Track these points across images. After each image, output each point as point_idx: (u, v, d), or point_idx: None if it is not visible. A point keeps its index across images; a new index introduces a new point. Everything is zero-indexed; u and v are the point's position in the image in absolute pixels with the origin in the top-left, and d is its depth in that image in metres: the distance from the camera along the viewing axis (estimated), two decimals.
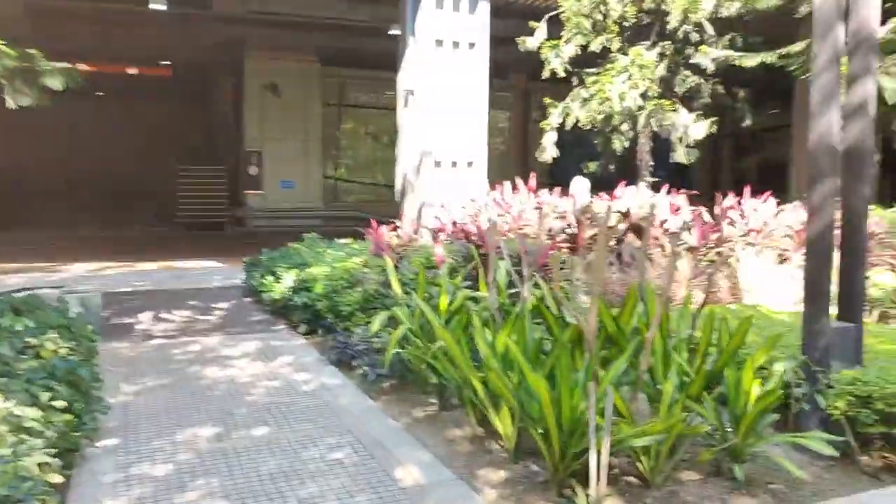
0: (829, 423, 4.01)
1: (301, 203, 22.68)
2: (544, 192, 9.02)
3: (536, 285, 4.83)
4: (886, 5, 8.95)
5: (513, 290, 5.17)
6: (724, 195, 8.01)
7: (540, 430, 3.58)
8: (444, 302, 4.92)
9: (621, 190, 8.83)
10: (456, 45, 11.21)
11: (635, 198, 7.67)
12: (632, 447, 3.57)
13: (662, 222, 7.25)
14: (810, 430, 4.00)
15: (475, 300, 5.09)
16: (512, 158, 26.62)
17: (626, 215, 7.13)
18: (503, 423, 3.98)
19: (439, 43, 11.15)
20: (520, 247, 5.28)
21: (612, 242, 7.17)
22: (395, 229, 8.54)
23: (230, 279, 10.32)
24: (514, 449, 3.99)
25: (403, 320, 4.90)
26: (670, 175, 11.60)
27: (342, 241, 9.13)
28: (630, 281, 6.40)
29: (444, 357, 4.31)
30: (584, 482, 3.52)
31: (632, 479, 3.78)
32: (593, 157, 12.39)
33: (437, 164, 11.19)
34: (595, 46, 10.21)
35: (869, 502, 3.57)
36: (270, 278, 8.14)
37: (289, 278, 7.68)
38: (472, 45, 11.29)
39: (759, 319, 5.20)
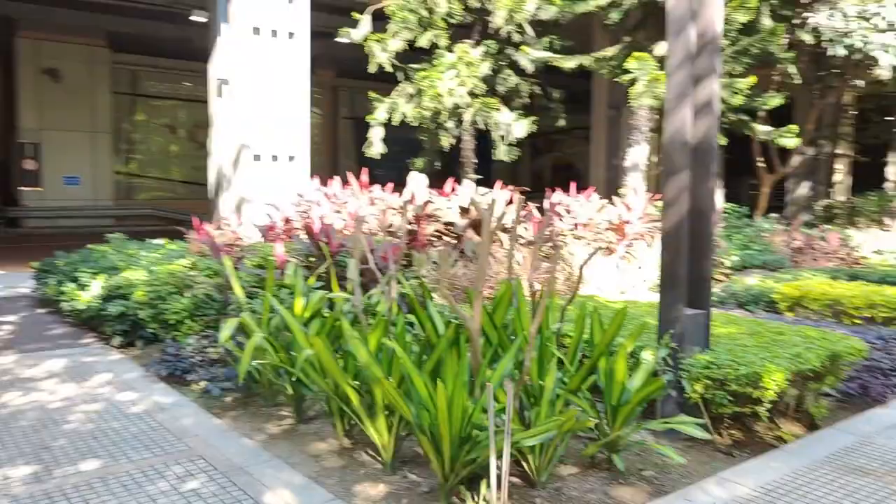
0: (685, 407, 4.19)
1: (89, 201, 20.55)
2: (376, 188, 8.80)
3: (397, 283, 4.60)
4: None
5: (370, 292, 4.91)
6: (553, 191, 8.29)
7: (426, 437, 3.36)
8: (298, 305, 4.53)
9: (450, 186, 8.84)
10: (274, 33, 10.65)
11: (472, 194, 7.69)
12: (518, 447, 3.46)
13: (499, 218, 7.32)
14: (670, 414, 4.16)
15: (330, 302, 4.76)
16: (322, 155, 26.09)
17: (465, 211, 7.11)
18: (379, 433, 3.71)
19: (256, 31, 10.53)
20: (376, 244, 5.02)
21: (453, 239, 7.13)
22: (218, 227, 7.88)
23: (14, 287, 8.99)
24: (391, 459, 3.73)
25: (254, 327, 4.44)
26: (477, 172, 11.87)
27: (156, 241, 8.26)
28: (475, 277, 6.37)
29: (310, 366, 3.94)
30: (473, 489, 3.37)
31: (515, 479, 3.68)
32: (414, 153, 12.36)
33: (257, 157, 10.57)
34: (424, 42, 10.15)
35: (731, 479, 3.75)
36: (72, 285, 7.15)
37: (96, 285, 6.78)
38: (291, 35, 10.78)
39: (601, 309, 5.37)
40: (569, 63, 10.26)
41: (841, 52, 9.88)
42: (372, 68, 10.44)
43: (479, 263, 3.40)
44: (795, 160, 15.75)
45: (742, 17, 8.63)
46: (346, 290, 5.00)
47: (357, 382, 3.78)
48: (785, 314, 7.53)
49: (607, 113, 16.17)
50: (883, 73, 10.22)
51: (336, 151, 27.38)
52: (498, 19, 10.02)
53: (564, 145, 27.73)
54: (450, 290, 6.33)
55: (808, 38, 10.86)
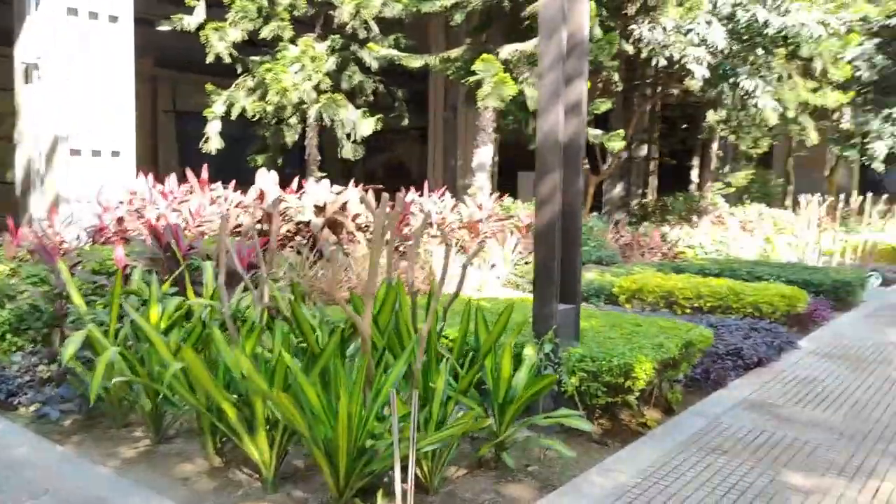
0: (561, 400, 4.29)
1: None
2: (218, 186, 8.28)
3: (256, 287, 4.32)
4: (526, 23, 10.18)
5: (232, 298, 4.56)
6: (408, 191, 8.23)
7: (320, 450, 3.15)
8: (154, 314, 4.10)
9: (297, 184, 8.52)
10: (94, 15, 9.69)
11: (325, 192, 7.44)
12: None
13: (355, 217, 7.16)
14: (548, 408, 4.23)
15: (189, 310, 4.36)
16: (139, 151, 24.22)
17: (321, 210, 6.86)
18: (259, 449, 3.44)
19: (73, 11, 9.53)
20: (234, 245, 4.68)
21: (308, 239, 6.86)
22: (31, 229, 7.00)
23: None
24: (273, 476, 3.47)
25: (105, 341, 3.95)
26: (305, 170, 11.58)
27: None
28: (338, 279, 6.17)
29: (176, 380, 3.56)
30: (368, 500, 3.23)
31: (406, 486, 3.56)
32: (243, 150, 11.75)
33: (76, 152, 9.57)
34: (266, 33, 9.68)
35: (611, 467, 3.88)
36: None
37: None
38: (113, 19, 9.88)
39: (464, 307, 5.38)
40: (415, 62, 10.27)
41: (662, 62, 10.73)
42: (210, 58, 9.80)
43: (370, 263, 3.24)
44: (614, 162, 16.91)
45: None
46: (203, 295, 4.63)
47: (234, 396, 3.48)
48: (625, 306, 8.02)
49: (444, 114, 16.42)
50: (695, 83, 11.22)
51: (155, 147, 25.54)
52: (344, 14, 9.79)
53: (398, 145, 27.87)
54: (309, 291, 6.08)
55: (630, 48, 11.65)
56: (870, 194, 16.14)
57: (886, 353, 6.82)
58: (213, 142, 10.20)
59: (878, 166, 17.35)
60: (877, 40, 16.33)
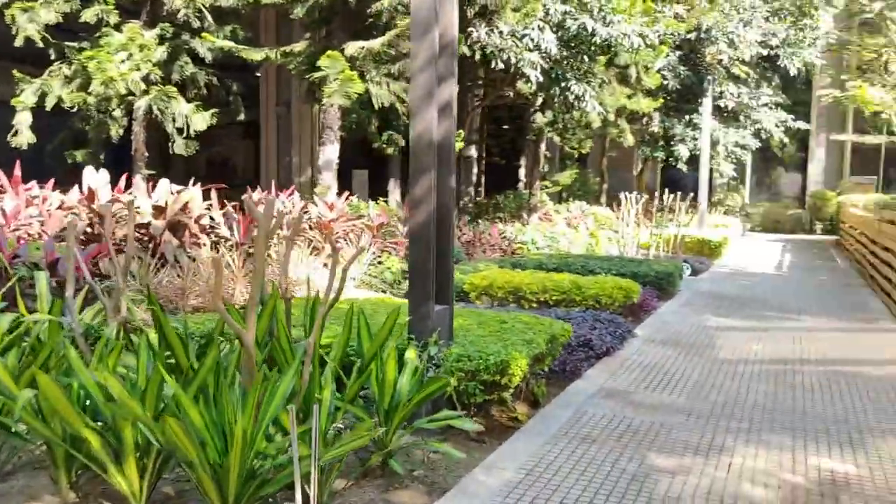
0: (440, 401, 4.28)
1: None
2: (33, 186, 7.39)
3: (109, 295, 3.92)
4: (370, 20, 10.06)
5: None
6: (250, 189, 7.85)
7: (207, 476, 2.89)
8: None
9: (126, 183, 7.84)
10: None
11: (165, 192, 6.89)
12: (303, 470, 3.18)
13: (199, 218, 6.71)
14: (429, 411, 4.20)
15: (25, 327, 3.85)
16: None
17: (161, 211, 6.35)
18: (128, 479, 3.10)
19: None
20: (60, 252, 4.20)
21: (146, 243, 6.34)
22: None
23: None
24: None
25: None
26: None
27: None
28: (183, 284, 5.74)
29: (23, 410, 3.11)
30: None
31: None
32: (44, 145, 10.62)
33: None
34: (89, 17, 8.76)
35: (495, 465, 3.92)
36: None
37: None
38: None
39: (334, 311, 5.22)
40: (255, 55, 9.78)
41: (500, 65, 11.08)
42: (19, 41, 8.70)
43: (255, 268, 3.03)
44: None
45: None
46: (39, 310, 4.13)
47: (96, 423, 3.11)
48: (475, 302, 8.20)
49: (277, 110, 15.86)
50: (529, 86, 11.70)
51: None
52: (177, 1, 9.10)
53: (222, 140, 26.62)
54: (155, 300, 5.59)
55: (467, 50, 11.92)
56: (679, 193, 17.78)
57: (709, 337, 7.53)
58: (25, 135, 9.09)
59: (682, 166, 19.14)
60: (679, 53, 18.01)
